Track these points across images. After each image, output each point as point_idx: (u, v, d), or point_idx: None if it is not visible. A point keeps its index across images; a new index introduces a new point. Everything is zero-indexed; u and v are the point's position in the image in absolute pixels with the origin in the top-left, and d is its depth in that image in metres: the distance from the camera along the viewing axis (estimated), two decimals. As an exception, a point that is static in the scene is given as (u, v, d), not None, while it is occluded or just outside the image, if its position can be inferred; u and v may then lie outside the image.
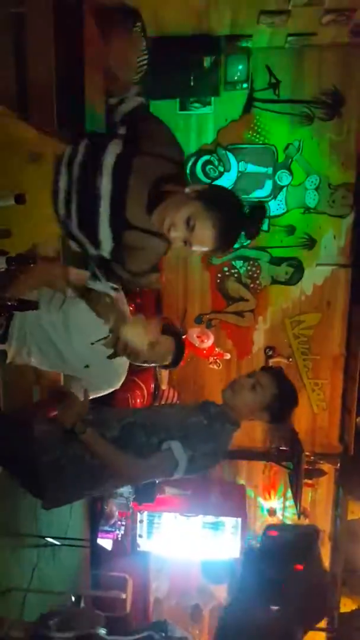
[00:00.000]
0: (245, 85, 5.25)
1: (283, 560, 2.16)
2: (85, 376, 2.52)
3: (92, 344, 2.48)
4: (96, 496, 2.57)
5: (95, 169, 1.87)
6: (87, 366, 2.52)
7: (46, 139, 2.03)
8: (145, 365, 2.49)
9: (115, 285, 2.19)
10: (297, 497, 5.45)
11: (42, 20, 3.08)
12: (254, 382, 2.22)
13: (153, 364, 2.51)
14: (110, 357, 2.50)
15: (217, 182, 5.52)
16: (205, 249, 1.91)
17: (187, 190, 1.86)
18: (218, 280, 5.81)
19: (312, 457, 5.72)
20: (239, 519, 5.59)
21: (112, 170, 1.86)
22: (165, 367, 2.58)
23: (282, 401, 2.22)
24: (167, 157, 1.91)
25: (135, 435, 2.13)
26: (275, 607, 2.08)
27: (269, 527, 2.36)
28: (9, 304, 1.95)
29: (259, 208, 1.98)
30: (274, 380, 2.23)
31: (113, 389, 2.65)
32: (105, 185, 1.86)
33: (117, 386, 2.66)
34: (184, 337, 5.22)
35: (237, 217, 1.88)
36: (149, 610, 6.30)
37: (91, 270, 2.13)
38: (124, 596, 5.33)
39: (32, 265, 2.15)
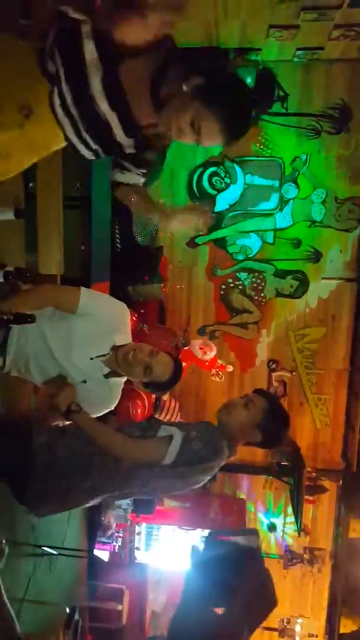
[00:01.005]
0: (253, 97, 5.24)
1: (226, 563, 2.19)
2: (82, 392, 2.50)
3: (92, 359, 2.48)
4: (92, 505, 2.55)
5: (90, 103, 1.79)
6: (84, 381, 2.50)
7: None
8: (139, 387, 2.49)
9: (143, 170, 2.12)
10: (297, 513, 5.40)
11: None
12: (246, 401, 2.29)
13: (148, 386, 2.48)
14: (107, 375, 2.51)
15: (224, 194, 5.52)
16: (219, 144, 1.86)
17: (184, 87, 1.76)
18: (222, 292, 5.79)
19: (313, 473, 5.67)
20: (238, 534, 5.53)
21: (106, 96, 1.77)
22: (157, 389, 2.56)
23: (273, 419, 2.28)
24: (152, 47, 1.79)
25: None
26: (219, 610, 2.10)
27: (212, 532, 2.45)
28: (5, 317, 1.94)
29: (266, 77, 1.90)
30: (265, 399, 2.30)
31: (107, 410, 2.63)
32: (107, 110, 1.79)
33: (111, 406, 2.64)
34: (183, 362, 5.24)
35: (241, 103, 1.81)
36: (146, 623, 6.25)
37: (115, 162, 2.09)
38: (120, 608, 5.30)
39: (29, 277, 2.14)
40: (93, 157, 1.97)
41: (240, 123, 1.83)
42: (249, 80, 5.15)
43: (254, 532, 2.55)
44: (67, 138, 1.90)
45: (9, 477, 2.27)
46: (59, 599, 4.81)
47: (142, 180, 2.14)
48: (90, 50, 1.75)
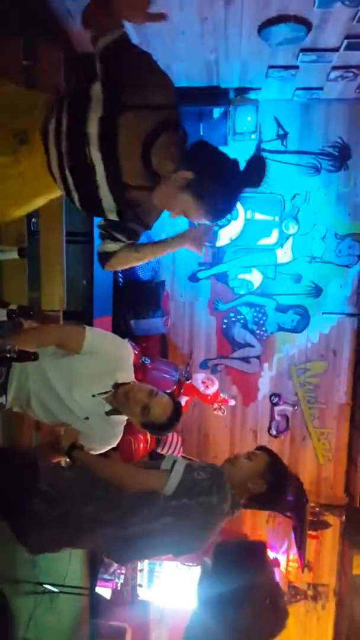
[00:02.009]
0: (253, 135, 5.35)
1: (235, 574, 2.18)
2: (83, 429, 2.52)
3: (94, 396, 2.50)
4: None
5: (82, 140, 1.82)
6: (86, 418, 2.51)
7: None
8: (138, 427, 2.49)
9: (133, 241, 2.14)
10: (301, 549, 5.33)
11: (51, 74, 3.16)
12: (249, 454, 2.35)
13: (147, 420, 2.49)
14: (108, 413, 2.52)
15: (225, 229, 5.58)
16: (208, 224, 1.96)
17: (173, 177, 1.82)
18: (224, 326, 5.81)
19: (316, 509, 5.62)
20: (241, 570, 5.45)
21: (99, 139, 1.81)
22: (155, 430, 2.57)
23: (276, 471, 2.30)
24: (153, 106, 1.81)
25: None
26: (232, 621, 2.08)
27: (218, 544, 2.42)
28: (8, 355, 1.97)
29: (256, 162, 1.87)
30: (267, 453, 2.35)
31: (109, 447, 2.64)
32: (95, 155, 1.82)
33: (113, 444, 2.65)
34: (186, 396, 5.25)
35: (231, 194, 1.87)
36: (148, 663, 6.13)
37: (103, 232, 2.10)
38: (122, 646, 5.21)
39: (33, 316, 2.18)
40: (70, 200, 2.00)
41: (229, 210, 1.92)
42: (248, 118, 5.28)
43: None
44: (50, 171, 1.92)
45: (8, 513, 2.27)
46: (61, 638, 4.74)
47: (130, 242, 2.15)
48: (96, 89, 1.81)
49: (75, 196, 1.95)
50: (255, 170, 1.84)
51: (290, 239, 5.58)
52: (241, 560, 2.26)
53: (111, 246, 2.10)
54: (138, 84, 1.79)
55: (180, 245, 2.16)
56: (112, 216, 1.97)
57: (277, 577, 2.29)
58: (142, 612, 6.00)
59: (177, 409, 2.47)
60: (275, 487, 2.29)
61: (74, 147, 1.84)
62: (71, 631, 5.24)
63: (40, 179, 1.95)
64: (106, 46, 1.80)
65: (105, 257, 2.15)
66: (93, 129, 1.80)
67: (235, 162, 1.84)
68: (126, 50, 1.82)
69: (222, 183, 1.82)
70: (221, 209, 1.88)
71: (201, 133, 5.22)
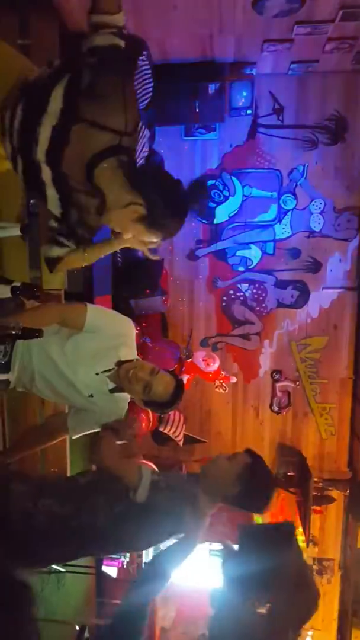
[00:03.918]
0: (249, 111, 5.30)
1: (262, 554, 2.13)
2: (89, 407, 2.51)
3: (97, 374, 2.48)
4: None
5: (31, 139, 1.85)
6: (91, 395, 2.51)
7: None
8: (140, 405, 2.48)
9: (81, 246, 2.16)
10: (305, 524, 5.37)
11: (47, 53, 3.11)
12: (232, 455, 2.29)
13: (149, 398, 2.48)
14: (112, 391, 2.51)
15: (223, 206, 5.54)
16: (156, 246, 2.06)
17: (126, 210, 1.88)
18: (224, 303, 5.80)
19: (320, 484, 5.65)
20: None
21: (47, 144, 1.83)
22: (157, 408, 2.56)
23: (254, 474, 2.24)
24: (110, 129, 1.81)
25: None
26: (262, 608, 2.04)
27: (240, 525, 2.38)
28: (13, 332, 1.95)
29: (198, 189, 2.04)
30: (249, 455, 2.28)
31: None
32: (41, 155, 1.85)
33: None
34: (187, 374, 5.24)
35: (180, 215, 1.98)
36: (155, 640, 6.19)
37: (51, 236, 2.10)
38: (129, 625, 5.23)
39: (37, 292, 2.16)
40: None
41: (177, 230, 2.02)
42: (244, 94, 5.23)
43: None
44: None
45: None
46: (68, 617, 4.77)
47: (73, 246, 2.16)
48: (57, 96, 1.81)
49: (23, 184, 1.99)
50: (197, 191, 2.00)
51: (289, 214, 5.55)
52: (269, 542, 2.22)
53: (58, 251, 2.11)
54: (104, 104, 1.79)
55: (125, 244, 2.19)
56: (56, 210, 1.97)
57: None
58: (148, 590, 6.03)
59: (179, 386, 2.46)
60: (248, 490, 2.22)
61: (24, 143, 1.87)
62: (79, 610, 5.28)
63: None
64: (95, 47, 1.78)
65: (53, 262, 2.16)
66: (44, 134, 1.82)
67: (179, 183, 1.96)
68: (112, 64, 1.80)
69: (171, 210, 1.93)
70: (171, 232, 2.01)
71: (197, 110, 5.16)
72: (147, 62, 4.43)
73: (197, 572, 5.58)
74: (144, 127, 2.98)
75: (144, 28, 4.13)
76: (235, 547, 2.14)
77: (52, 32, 3.25)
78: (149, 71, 4.48)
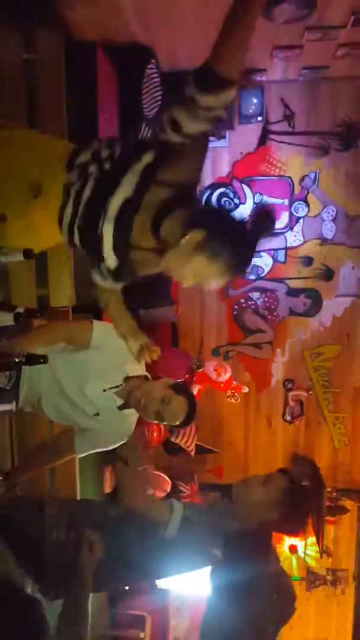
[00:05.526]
0: (260, 118, 5.27)
1: (241, 565, 2.16)
2: (94, 426, 2.48)
3: (105, 390, 2.46)
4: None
5: (99, 213, 1.79)
6: (97, 414, 2.48)
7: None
8: (154, 422, 2.45)
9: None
10: (319, 534, 5.31)
11: (53, 66, 3.09)
12: (266, 478, 2.20)
13: (162, 422, 2.45)
14: (121, 407, 2.48)
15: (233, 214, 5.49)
16: (220, 285, 1.88)
17: (185, 240, 1.76)
18: (235, 312, 5.75)
19: (334, 494, 5.59)
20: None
21: (115, 220, 1.78)
22: (175, 426, 2.53)
23: (292, 498, 2.15)
24: (178, 184, 1.79)
25: None
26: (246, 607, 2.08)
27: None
28: (18, 360, 1.92)
29: (263, 217, 1.88)
30: (287, 478, 2.19)
31: (122, 441, 2.60)
32: (107, 229, 1.80)
33: (127, 437, 2.61)
34: (198, 384, 5.20)
35: (244, 248, 1.82)
36: (169, 651, 6.16)
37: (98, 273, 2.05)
38: (142, 635, 5.23)
39: (40, 317, 2.13)
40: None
41: (244, 263, 1.86)
42: (254, 100, 5.19)
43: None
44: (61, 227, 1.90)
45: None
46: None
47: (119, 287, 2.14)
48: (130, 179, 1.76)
49: (79, 246, 1.94)
50: (262, 220, 1.85)
51: (300, 221, 5.49)
52: (245, 550, 2.21)
53: (99, 280, 2.06)
54: (180, 168, 1.75)
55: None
56: (111, 264, 1.91)
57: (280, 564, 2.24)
58: (161, 601, 6.01)
59: (191, 405, 2.43)
60: (287, 516, 2.15)
61: (89, 222, 1.82)
62: (90, 620, 5.25)
63: (47, 229, 1.92)
64: (184, 133, 1.67)
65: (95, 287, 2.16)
66: (113, 209, 1.76)
67: (242, 221, 1.83)
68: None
69: (233, 239, 1.78)
70: (235, 266, 1.82)
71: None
72: (155, 70, 4.43)
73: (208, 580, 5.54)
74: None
75: (154, 36, 4.10)
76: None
77: (57, 45, 3.21)
78: (158, 79, 4.47)
